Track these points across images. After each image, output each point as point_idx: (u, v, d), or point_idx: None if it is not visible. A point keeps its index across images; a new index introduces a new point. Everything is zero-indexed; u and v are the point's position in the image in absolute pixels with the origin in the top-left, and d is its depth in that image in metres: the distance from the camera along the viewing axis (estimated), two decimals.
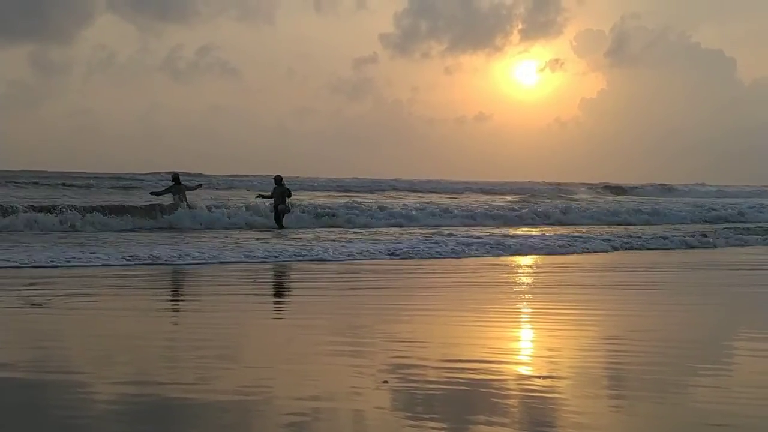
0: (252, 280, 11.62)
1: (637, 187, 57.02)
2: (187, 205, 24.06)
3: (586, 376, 5.92)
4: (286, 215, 23.30)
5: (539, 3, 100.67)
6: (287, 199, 23.50)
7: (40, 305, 8.75)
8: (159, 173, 46.02)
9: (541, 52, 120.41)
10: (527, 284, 11.89)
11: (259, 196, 24.47)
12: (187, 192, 24.35)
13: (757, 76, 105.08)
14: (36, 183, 37.30)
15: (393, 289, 11.36)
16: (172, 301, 10.00)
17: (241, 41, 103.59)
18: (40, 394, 5.30)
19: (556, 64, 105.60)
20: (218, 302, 9.70)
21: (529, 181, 57.64)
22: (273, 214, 23.33)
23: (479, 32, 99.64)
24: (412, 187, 48.10)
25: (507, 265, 14.43)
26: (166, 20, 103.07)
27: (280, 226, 22.77)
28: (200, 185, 26.24)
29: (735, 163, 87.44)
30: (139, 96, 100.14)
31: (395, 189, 46.30)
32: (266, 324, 8.30)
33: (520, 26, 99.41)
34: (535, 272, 13.33)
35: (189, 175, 45.84)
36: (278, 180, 23.46)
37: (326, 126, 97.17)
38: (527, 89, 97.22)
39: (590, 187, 56.07)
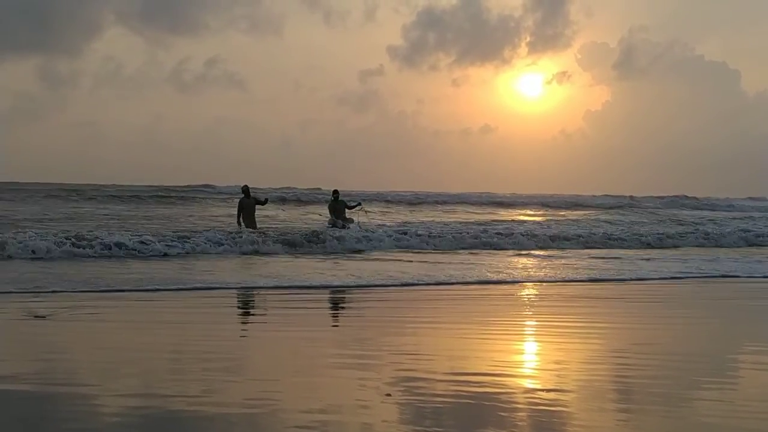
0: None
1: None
2: (251, 224, 22.20)
3: (592, 389, 5.93)
4: (348, 225, 23.02)
5: (548, 16, 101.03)
6: (347, 211, 23.42)
7: (43, 317, 8.76)
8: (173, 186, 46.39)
9: (548, 64, 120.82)
10: (531, 296, 11.86)
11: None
12: (257, 206, 22.86)
13: (761, 89, 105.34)
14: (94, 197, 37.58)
15: (398, 301, 11.34)
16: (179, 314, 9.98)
17: (248, 53, 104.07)
18: (46, 406, 5.31)
19: (563, 76, 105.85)
20: (222, 314, 9.72)
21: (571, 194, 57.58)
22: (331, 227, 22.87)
23: (487, 45, 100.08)
24: (452, 200, 47.90)
25: (510, 278, 14.38)
26: (175, 33, 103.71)
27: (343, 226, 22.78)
28: (267, 200, 24.11)
29: (738, 174, 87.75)
30: (145, 108, 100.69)
31: (435, 203, 46.14)
32: (271, 336, 8.30)
33: (528, 39, 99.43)
34: (538, 285, 13.29)
35: (191, 186, 46.22)
36: (336, 195, 23.54)
37: (331, 138, 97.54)
38: (534, 102, 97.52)
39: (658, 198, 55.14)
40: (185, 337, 8.01)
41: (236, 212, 22.87)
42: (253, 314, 10.01)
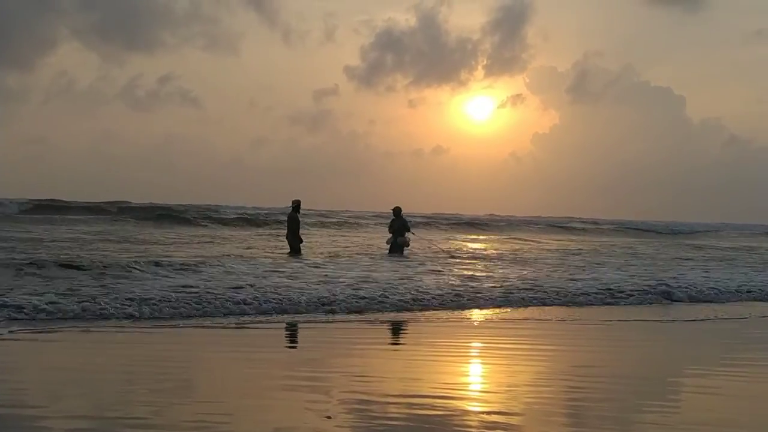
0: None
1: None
2: (295, 242, 21.27)
3: (540, 411, 6.03)
4: (405, 249, 22.56)
5: (505, 39, 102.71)
6: (406, 234, 22.58)
7: None
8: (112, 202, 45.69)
9: (504, 87, 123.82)
10: (477, 319, 11.96)
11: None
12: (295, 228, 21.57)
13: (705, 116, 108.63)
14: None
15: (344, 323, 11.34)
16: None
17: (204, 71, 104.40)
18: None
19: (517, 99, 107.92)
20: (173, 334, 9.61)
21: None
22: (390, 246, 22.45)
23: (445, 67, 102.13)
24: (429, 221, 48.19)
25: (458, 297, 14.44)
26: (130, 49, 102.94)
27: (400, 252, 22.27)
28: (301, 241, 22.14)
29: (684, 199, 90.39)
30: (95, 124, 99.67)
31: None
32: (221, 357, 8.24)
33: (485, 62, 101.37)
34: (483, 306, 13.40)
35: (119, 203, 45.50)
36: (398, 212, 22.50)
37: (282, 157, 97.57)
38: (489, 124, 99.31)
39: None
40: (134, 359, 7.91)
41: (291, 228, 21.46)
42: (203, 336, 9.89)
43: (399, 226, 22.55)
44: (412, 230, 23.04)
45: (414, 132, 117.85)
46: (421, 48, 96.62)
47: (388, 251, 22.46)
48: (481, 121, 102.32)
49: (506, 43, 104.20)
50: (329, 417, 5.57)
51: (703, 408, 6.35)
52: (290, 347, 9.03)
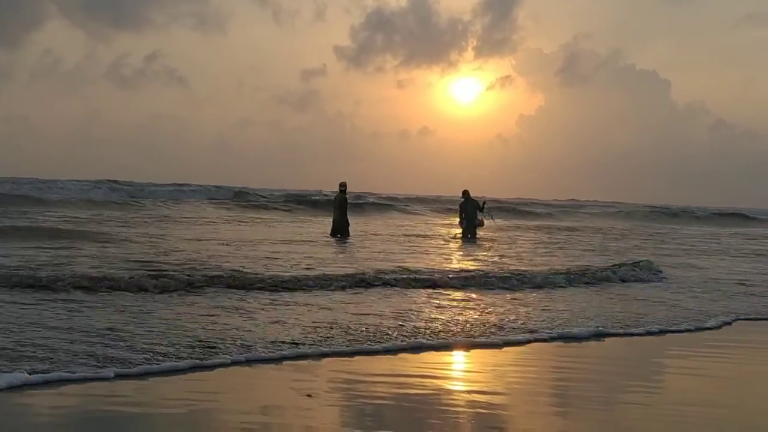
0: None
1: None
2: (345, 230, 21.18)
3: (523, 392, 6.09)
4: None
5: (496, 21, 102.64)
6: (478, 215, 22.76)
7: None
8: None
9: (494, 68, 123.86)
10: (457, 298, 11.99)
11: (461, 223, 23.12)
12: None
13: (690, 100, 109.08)
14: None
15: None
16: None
17: (192, 50, 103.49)
18: None
19: (506, 80, 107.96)
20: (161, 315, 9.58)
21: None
22: (464, 231, 22.62)
23: (435, 48, 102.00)
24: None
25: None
26: (118, 27, 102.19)
27: (473, 235, 22.48)
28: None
29: (668, 182, 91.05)
30: (80, 103, 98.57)
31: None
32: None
33: (475, 43, 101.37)
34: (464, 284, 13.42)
35: (120, 182, 45.21)
36: (467, 194, 22.61)
37: (267, 137, 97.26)
38: (477, 105, 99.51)
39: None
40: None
41: (341, 210, 21.36)
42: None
43: (471, 208, 22.70)
44: (485, 211, 23.11)
45: (401, 113, 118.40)
46: (411, 28, 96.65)
47: (461, 236, 22.54)
48: (469, 102, 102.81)
49: (497, 24, 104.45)
50: (309, 395, 5.58)
51: (686, 389, 6.43)
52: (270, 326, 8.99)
